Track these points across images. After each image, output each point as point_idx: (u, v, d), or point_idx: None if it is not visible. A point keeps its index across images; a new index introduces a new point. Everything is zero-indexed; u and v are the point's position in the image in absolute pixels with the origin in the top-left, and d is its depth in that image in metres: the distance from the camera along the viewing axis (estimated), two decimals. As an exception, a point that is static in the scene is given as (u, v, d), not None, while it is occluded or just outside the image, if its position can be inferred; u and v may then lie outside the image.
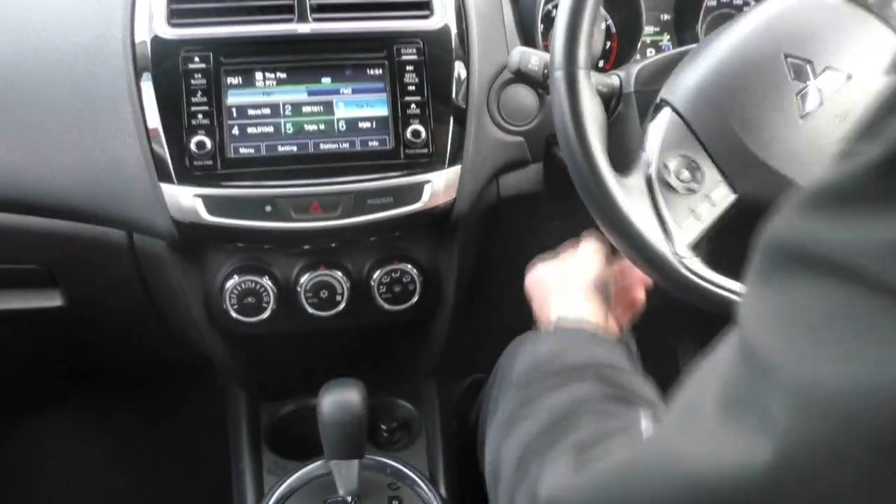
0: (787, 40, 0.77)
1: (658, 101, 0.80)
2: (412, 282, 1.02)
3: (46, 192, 0.94)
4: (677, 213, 0.75)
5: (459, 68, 0.96)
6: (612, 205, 0.73)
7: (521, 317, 0.87)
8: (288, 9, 0.93)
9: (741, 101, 0.76)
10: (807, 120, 0.74)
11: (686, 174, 0.76)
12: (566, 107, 0.75)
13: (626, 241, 0.74)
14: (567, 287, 0.81)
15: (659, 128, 0.78)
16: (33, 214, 0.96)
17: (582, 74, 0.75)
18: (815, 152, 0.74)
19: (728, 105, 0.76)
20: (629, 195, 0.74)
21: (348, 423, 0.98)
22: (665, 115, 0.79)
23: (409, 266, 1.02)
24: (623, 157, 0.78)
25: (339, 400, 0.98)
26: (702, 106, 0.77)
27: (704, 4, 1.08)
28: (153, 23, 0.91)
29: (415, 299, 1.02)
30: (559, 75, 0.76)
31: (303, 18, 0.93)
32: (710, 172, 0.76)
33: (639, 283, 0.87)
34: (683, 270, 0.73)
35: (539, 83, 0.86)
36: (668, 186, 0.76)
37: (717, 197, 0.76)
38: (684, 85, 0.79)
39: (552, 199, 1.04)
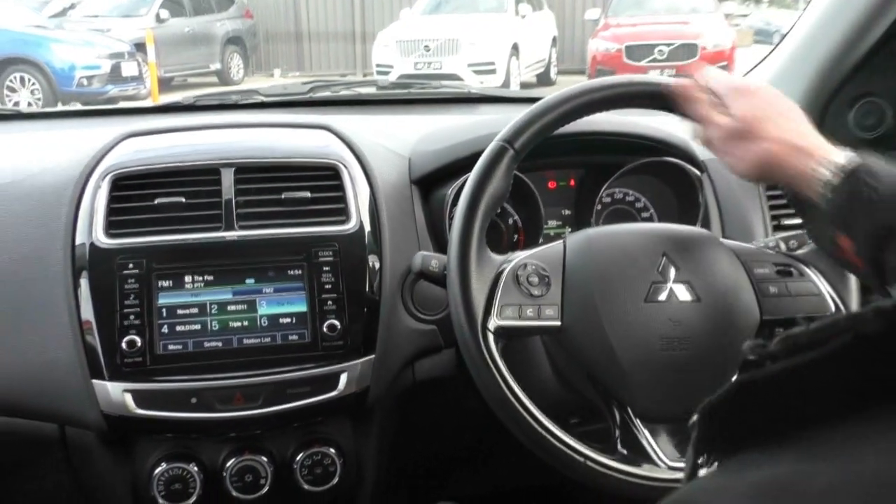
0: (677, 245, 0.90)
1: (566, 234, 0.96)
2: (332, 463, 1.07)
3: None
4: (507, 300, 0.86)
5: (374, 262, 1.06)
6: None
7: None
8: (216, 218, 1.03)
9: (612, 262, 0.89)
10: (649, 305, 0.87)
11: (535, 280, 0.88)
12: (459, 298, 0.86)
13: (456, 299, 0.86)
14: (798, 114, 0.81)
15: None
16: None
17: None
18: (639, 332, 0.85)
19: (604, 257, 0.89)
20: (481, 284, 0.86)
21: None
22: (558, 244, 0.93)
23: (331, 449, 1.07)
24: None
25: None
26: (583, 246, 0.90)
27: (599, 201, 1.20)
28: (93, 232, 1.00)
29: (335, 480, 1.07)
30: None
31: (230, 227, 1.03)
32: (555, 291, 0.88)
33: None
34: (480, 339, 0.84)
35: (440, 282, 0.96)
36: (515, 280, 0.87)
37: (546, 313, 0.87)
38: (585, 233, 0.93)
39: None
